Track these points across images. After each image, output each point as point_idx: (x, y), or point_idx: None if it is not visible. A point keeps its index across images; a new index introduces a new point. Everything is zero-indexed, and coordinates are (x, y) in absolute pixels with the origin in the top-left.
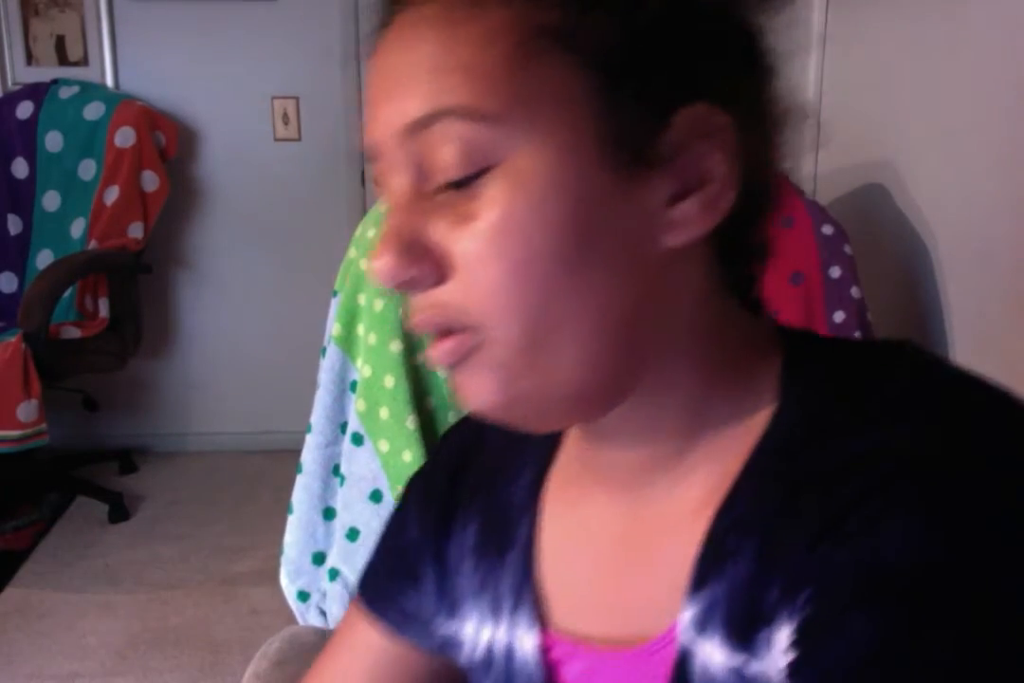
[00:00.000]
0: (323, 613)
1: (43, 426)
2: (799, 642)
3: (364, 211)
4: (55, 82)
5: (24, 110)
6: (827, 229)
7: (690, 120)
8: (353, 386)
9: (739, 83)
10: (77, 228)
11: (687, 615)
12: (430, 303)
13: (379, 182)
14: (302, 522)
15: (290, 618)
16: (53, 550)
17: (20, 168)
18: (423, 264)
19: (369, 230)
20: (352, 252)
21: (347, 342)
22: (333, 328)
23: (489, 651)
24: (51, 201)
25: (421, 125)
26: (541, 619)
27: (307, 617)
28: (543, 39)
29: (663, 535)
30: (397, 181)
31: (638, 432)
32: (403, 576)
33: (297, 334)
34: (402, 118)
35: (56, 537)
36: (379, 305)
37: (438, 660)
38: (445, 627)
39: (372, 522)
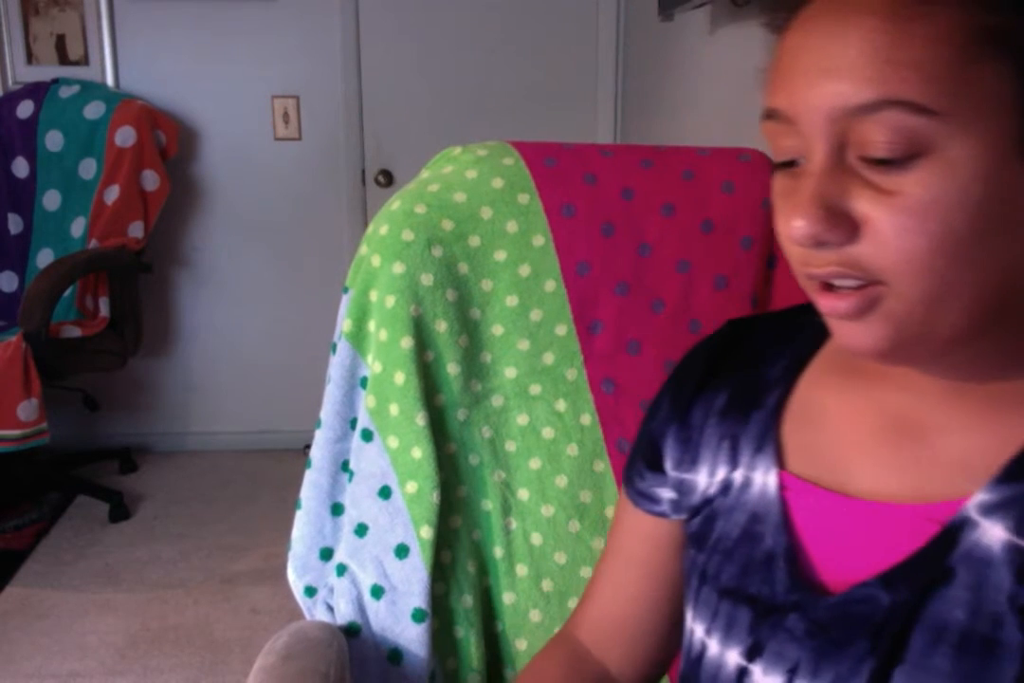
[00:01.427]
0: (330, 608)
1: (43, 425)
2: None
3: (364, 210)
4: (55, 81)
5: (24, 109)
6: None
7: None
8: (363, 382)
9: None
10: (77, 227)
11: (980, 497)
12: (840, 260)
13: (776, 140)
14: (310, 517)
15: (290, 617)
16: (53, 549)
17: (20, 167)
18: (840, 227)
19: (382, 227)
20: (364, 249)
21: (358, 338)
22: (344, 324)
23: (724, 487)
24: (51, 200)
25: (864, 110)
26: (779, 463)
27: (314, 612)
28: (985, 41)
29: (951, 430)
30: (813, 149)
31: (962, 366)
32: (645, 454)
33: (297, 333)
34: (843, 100)
35: (56, 536)
36: (390, 302)
37: (670, 525)
38: (685, 475)
39: (380, 518)
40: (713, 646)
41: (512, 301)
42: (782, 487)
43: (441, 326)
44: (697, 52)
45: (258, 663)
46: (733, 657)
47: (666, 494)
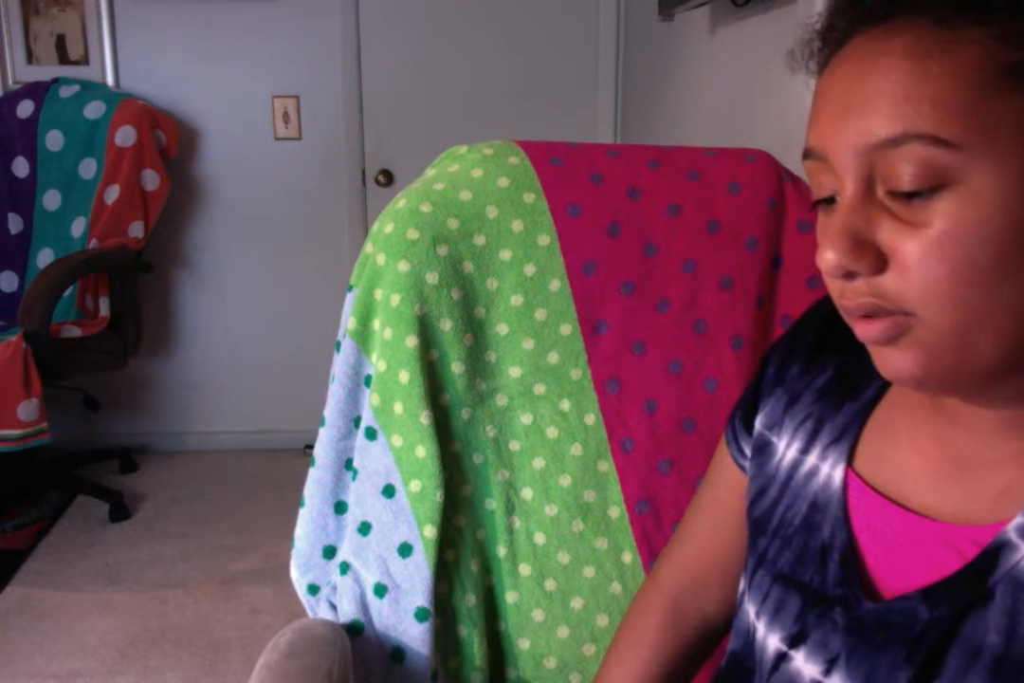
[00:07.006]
0: (333, 607)
1: (44, 425)
2: None
3: (364, 210)
4: (56, 81)
5: (25, 109)
6: None
7: None
8: (367, 380)
9: None
10: (78, 227)
11: (1020, 520)
12: (868, 290)
13: (813, 177)
14: (314, 515)
15: (290, 617)
16: (54, 549)
17: (21, 167)
18: (866, 258)
19: (387, 225)
20: (369, 247)
21: (362, 337)
22: (348, 322)
23: (793, 467)
24: (52, 200)
25: (888, 144)
26: (848, 459)
27: (317, 610)
28: (1008, 76)
29: (1001, 462)
30: (843, 184)
31: (1012, 398)
32: (746, 407)
33: (297, 333)
34: (869, 136)
35: (57, 536)
36: (395, 300)
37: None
38: (773, 437)
39: (383, 516)
40: (760, 629)
41: (517, 300)
42: (845, 484)
43: (446, 325)
44: (697, 52)
45: (262, 660)
46: (774, 642)
47: (748, 452)
